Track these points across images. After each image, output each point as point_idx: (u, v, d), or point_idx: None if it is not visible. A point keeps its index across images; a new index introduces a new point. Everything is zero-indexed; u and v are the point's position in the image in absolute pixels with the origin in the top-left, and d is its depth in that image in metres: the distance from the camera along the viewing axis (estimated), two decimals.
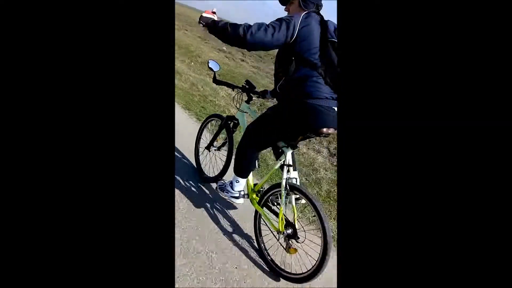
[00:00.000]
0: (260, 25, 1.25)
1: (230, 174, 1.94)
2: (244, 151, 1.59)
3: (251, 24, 1.28)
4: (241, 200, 1.68)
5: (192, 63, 5.86)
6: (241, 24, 1.27)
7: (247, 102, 1.85)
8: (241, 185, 1.65)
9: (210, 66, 1.89)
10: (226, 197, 1.74)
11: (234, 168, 1.65)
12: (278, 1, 1.51)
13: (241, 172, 1.62)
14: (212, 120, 2.17)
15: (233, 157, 1.76)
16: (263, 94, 1.78)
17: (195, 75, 5.05)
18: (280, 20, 1.30)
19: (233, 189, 1.66)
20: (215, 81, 1.91)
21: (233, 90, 1.88)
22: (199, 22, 1.42)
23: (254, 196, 1.68)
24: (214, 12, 1.44)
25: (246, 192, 1.71)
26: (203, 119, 2.22)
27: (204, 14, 1.42)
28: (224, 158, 1.94)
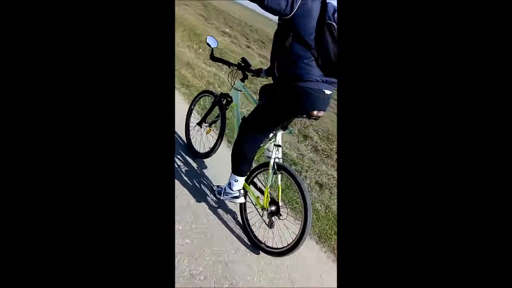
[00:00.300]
0: None
1: (220, 152, 1.99)
2: (242, 149, 1.54)
3: None
4: (242, 199, 1.61)
5: (201, 50, 5.14)
6: None
7: (242, 80, 1.86)
8: (240, 183, 1.59)
9: (208, 42, 1.90)
10: (226, 200, 1.71)
11: (232, 167, 1.58)
12: None
13: (241, 171, 1.56)
14: (203, 96, 2.19)
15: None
16: (257, 73, 1.83)
17: (206, 67, 4.37)
18: None
19: (232, 189, 1.59)
20: (213, 57, 1.93)
21: (229, 68, 1.90)
22: None
23: None
24: None
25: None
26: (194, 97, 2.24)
27: None
28: (215, 136, 1.96)
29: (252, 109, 1.62)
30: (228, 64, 1.88)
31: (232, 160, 1.59)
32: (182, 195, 1.67)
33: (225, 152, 2.18)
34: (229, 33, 9.10)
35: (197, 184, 1.86)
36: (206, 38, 1.91)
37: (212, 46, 1.88)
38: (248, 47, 8.68)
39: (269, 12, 1.29)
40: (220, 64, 2.06)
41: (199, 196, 1.75)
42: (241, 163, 1.56)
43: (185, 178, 1.84)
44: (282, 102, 1.42)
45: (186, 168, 1.96)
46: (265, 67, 1.86)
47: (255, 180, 1.67)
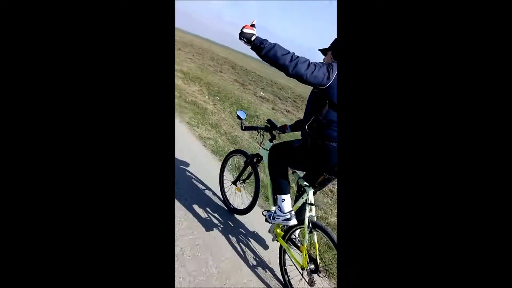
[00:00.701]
0: (305, 59, 1.36)
1: (258, 208, 2.08)
2: (276, 170, 1.68)
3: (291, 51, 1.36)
4: (294, 221, 1.63)
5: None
6: (289, 51, 1.33)
7: (271, 140, 1.95)
8: (288, 202, 1.65)
9: (238, 114, 2.08)
10: (279, 223, 1.73)
11: (274, 189, 1.72)
12: (319, 50, 1.65)
13: (282, 188, 1.66)
14: (234, 155, 2.34)
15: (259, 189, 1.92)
16: (282, 129, 1.96)
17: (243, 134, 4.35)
18: (322, 63, 1.42)
19: (282, 212, 1.65)
20: (243, 128, 2.08)
21: (257, 132, 2.06)
22: (240, 38, 1.39)
23: (279, 231, 1.77)
24: (253, 25, 1.41)
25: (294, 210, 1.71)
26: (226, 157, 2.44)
27: (245, 30, 1.37)
28: (248, 191, 2.07)
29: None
30: (257, 128, 2.04)
31: (272, 183, 1.72)
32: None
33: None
34: (265, 97, 9.59)
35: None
36: (237, 112, 2.11)
37: (242, 118, 2.07)
38: (288, 111, 8.78)
39: (308, 84, 1.39)
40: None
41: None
42: (279, 182, 1.67)
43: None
44: (313, 155, 1.50)
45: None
46: (289, 123, 1.99)
47: (292, 237, 1.71)
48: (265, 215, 1.78)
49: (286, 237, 1.71)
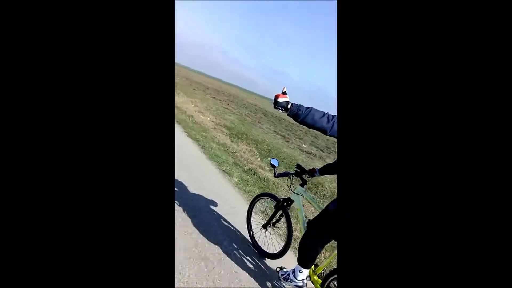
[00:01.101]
0: None
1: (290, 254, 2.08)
2: (309, 246, 1.63)
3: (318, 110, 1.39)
4: None
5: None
6: (324, 112, 1.35)
7: (302, 185, 1.98)
8: (304, 274, 1.70)
9: (271, 163, 2.12)
10: (290, 286, 1.79)
11: (299, 259, 1.69)
12: None
13: (306, 263, 1.67)
14: (261, 198, 2.33)
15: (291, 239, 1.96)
16: (311, 173, 1.97)
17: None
18: None
19: (296, 278, 1.71)
20: (276, 175, 2.10)
21: (289, 178, 2.07)
22: (276, 107, 1.44)
23: (316, 278, 1.73)
24: (285, 93, 1.46)
25: (309, 279, 1.74)
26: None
27: (280, 99, 1.43)
28: (277, 234, 2.12)
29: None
30: (288, 174, 2.06)
31: (299, 253, 1.69)
32: None
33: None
34: (310, 151, 9.16)
35: None
36: (270, 160, 2.16)
37: (276, 166, 2.11)
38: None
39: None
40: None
41: None
42: (306, 257, 1.66)
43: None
44: None
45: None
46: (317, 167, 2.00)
47: (331, 286, 1.60)
48: (278, 271, 1.85)
49: (325, 285, 1.62)
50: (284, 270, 1.79)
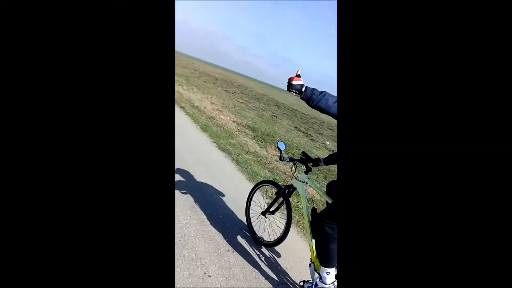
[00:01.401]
0: None
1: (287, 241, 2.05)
2: (327, 242, 1.54)
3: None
4: None
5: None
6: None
7: (306, 173, 1.97)
8: (332, 275, 1.58)
9: (278, 146, 2.13)
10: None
11: (321, 260, 1.59)
12: None
13: (329, 262, 1.56)
14: (263, 185, 2.32)
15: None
16: (316, 163, 1.96)
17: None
18: None
19: (325, 283, 1.57)
20: (281, 159, 2.07)
21: (294, 164, 2.07)
22: (289, 90, 1.41)
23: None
24: (299, 75, 1.42)
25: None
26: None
27: (294, 82, 1.40)
28: (278, 223, 2.21)
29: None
30: (293, 160, 2.05)
31: (318, 253, 1.60)
32: None
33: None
34: (333, 148, 8.61)
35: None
36: (277, 143, 2.16)
37: (281, 149, 2.10)
38: None
39: None
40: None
41: None
42: (330, 255, 1.54)
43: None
44: None
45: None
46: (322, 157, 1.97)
47: None
48: (302, 286, 1.70)
49: None
50: (310, 281, 1.67)
